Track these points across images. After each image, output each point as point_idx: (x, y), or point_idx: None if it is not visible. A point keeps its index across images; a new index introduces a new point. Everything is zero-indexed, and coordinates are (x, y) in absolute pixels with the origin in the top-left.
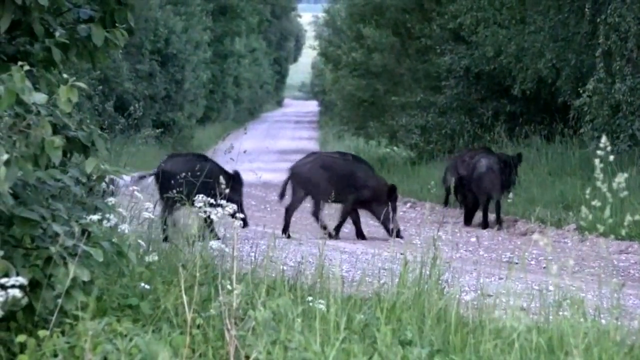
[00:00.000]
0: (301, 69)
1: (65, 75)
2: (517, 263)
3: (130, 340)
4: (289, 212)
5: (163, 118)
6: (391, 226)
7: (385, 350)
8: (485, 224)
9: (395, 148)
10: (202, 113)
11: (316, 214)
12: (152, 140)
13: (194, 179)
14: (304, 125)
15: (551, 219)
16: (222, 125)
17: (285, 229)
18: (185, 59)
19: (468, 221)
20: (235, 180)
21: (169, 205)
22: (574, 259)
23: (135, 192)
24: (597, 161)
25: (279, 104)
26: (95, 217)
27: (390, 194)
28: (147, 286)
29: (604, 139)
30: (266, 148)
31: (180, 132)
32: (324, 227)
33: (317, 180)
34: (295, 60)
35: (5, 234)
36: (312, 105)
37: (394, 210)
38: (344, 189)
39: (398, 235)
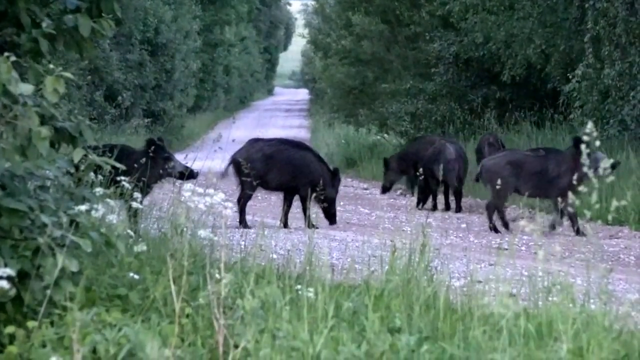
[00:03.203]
0: (291, 57)
1: (51, 66)
2: (506, 249)
3: (119, 330)
4: (489, 209)
5: (153, 107)
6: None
7: (374, 338)
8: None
9: (385, 135)
10: (192, 102)
11: (497, 208)
12: (143, 130)
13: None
14: (294, 114)
15: (540, 205)
16: (213, 114)
17: (505, 224)
18: (175, 48)
19: (420, 204)
20: (334, 176)
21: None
22: (564, 245)
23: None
24: (583, 147)
25: (270, 92)
26: (83, 208)
27: None
28: (136, 276)
29: (590, 124)
30: (257, 137)
31: (170, 122)
32: (506, 224)
33: (502, 176)
34: (285, 48)
35: None
36: (303, 94)
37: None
38: (535, 185)
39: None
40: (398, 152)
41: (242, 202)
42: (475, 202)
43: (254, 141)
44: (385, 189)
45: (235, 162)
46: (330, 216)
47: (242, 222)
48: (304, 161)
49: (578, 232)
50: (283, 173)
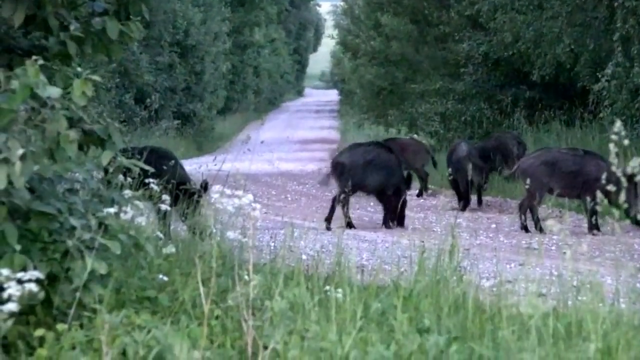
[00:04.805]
0: (321, 59)
1: (79, 69)
2: (536, 249)
3: (148, 332)
4: (522, 208)
5: (183, 109)
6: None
7: (403, 338)
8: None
9: (415, 135)
10: (222, 104)
11: (531, 208)
12: (173, 132)
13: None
14: (324, 115)
15: (570, 204)
16: (243, 115)
17: (537, 223)
18: (205, 50)
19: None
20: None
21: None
22: (595, 244)
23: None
24: (611, 146)
25: (300, 93)
26: (112, 210)
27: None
28: (165, 278)
29: (618, 123)
30: (287, 138)
31: (200, 123)
32: (540, 227)
33: (536, 175)
34: (315, 49)
35: (22, 228)
36: (333, 94)
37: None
38: (569, 185)
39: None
40: None
41: (344, 204)
42: (505, 202)
43: (356, 146)
44: None
45: (336, 165)
46: (402, 219)
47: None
48: (396, 165)
49: (592, 229)
50: (380, 177)
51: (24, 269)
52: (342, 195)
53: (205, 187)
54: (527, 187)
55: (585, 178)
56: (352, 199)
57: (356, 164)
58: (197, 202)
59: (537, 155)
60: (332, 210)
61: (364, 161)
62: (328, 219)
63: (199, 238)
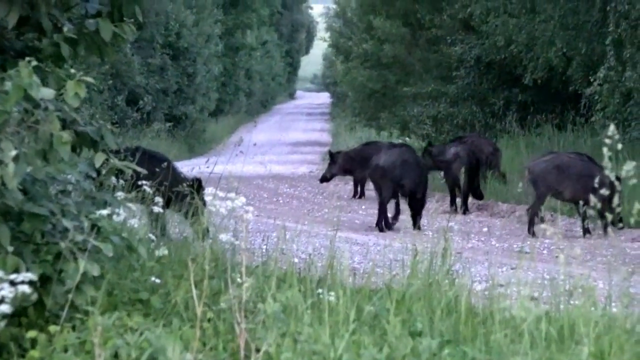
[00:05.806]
0: (313, 61)
1: (72, 70)
2: (528, 252)
3: (141, 334)
4: (532, 211)
5: (175, 112)
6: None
7: (395, 342)
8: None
9: (407, 139)
10: (214, 106)
11: (534, 211)
12: (165, 134)
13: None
14: (316, 117)
15: (562, 208)
16: (235, 118)
17: (530, 227)
18: (197, 53)
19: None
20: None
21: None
22: (587, 248)
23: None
24: (605, 150)
25: (291, 96)
26: (104, 212)
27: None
28: (157, 280)
29: (612, 127)
30: (278, 140)
31: (192, 126)
32: (533, 231)
33: (548, 179)
34: (307, 52)
35: (15, 229)
36: (324, 97)
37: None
38: (580, 189)
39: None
40: (348, 151)
41: (382, 207)
42: (497, 205)
43: (391, 146)
44: (324, 179)
45: (378, 168)
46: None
47: (379, 225)
48: (424, 167)
49: (585, 232)
50: (414, 178)
51: (17, 270)
52: (388, 197)
53: (198, 186)
54: (539, 190)
55: (593, 183)
56: (342, 203)
57: (394, 165)
58: (190, 204)
59: (548, 159)
60: (397, 211)
61: (401, 161)
62: (395, 218)
63: (197, 239)
